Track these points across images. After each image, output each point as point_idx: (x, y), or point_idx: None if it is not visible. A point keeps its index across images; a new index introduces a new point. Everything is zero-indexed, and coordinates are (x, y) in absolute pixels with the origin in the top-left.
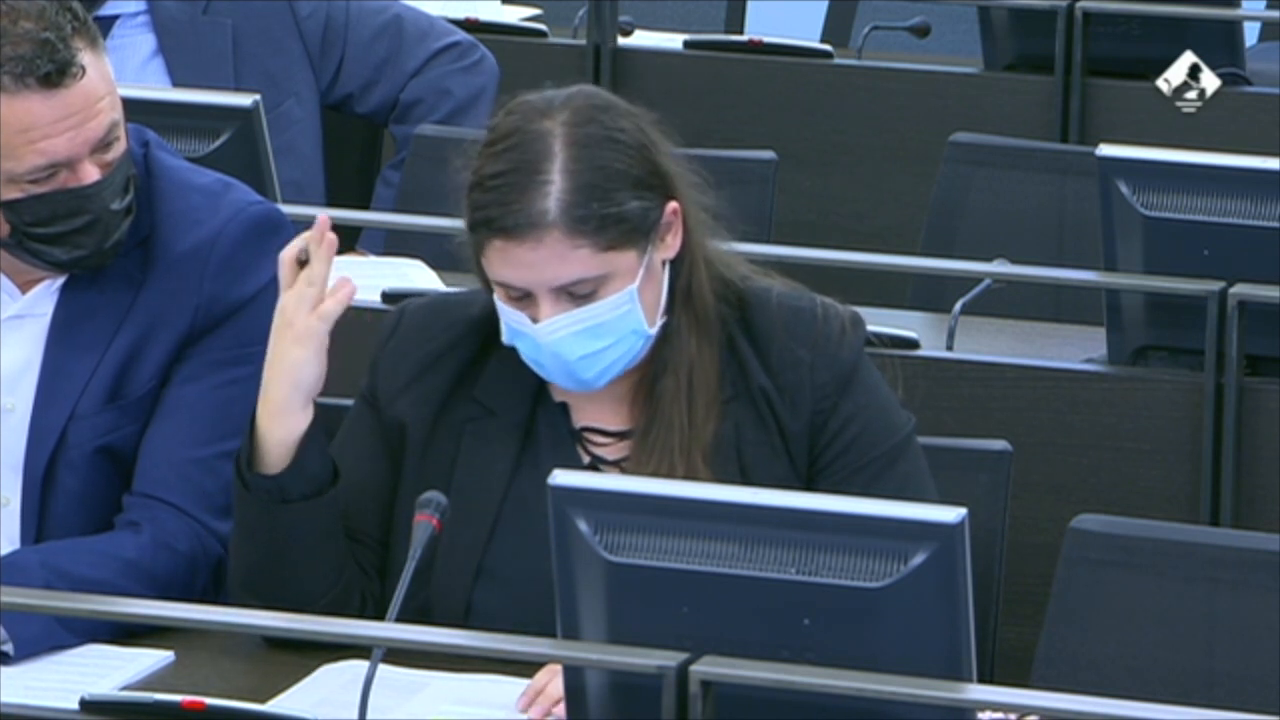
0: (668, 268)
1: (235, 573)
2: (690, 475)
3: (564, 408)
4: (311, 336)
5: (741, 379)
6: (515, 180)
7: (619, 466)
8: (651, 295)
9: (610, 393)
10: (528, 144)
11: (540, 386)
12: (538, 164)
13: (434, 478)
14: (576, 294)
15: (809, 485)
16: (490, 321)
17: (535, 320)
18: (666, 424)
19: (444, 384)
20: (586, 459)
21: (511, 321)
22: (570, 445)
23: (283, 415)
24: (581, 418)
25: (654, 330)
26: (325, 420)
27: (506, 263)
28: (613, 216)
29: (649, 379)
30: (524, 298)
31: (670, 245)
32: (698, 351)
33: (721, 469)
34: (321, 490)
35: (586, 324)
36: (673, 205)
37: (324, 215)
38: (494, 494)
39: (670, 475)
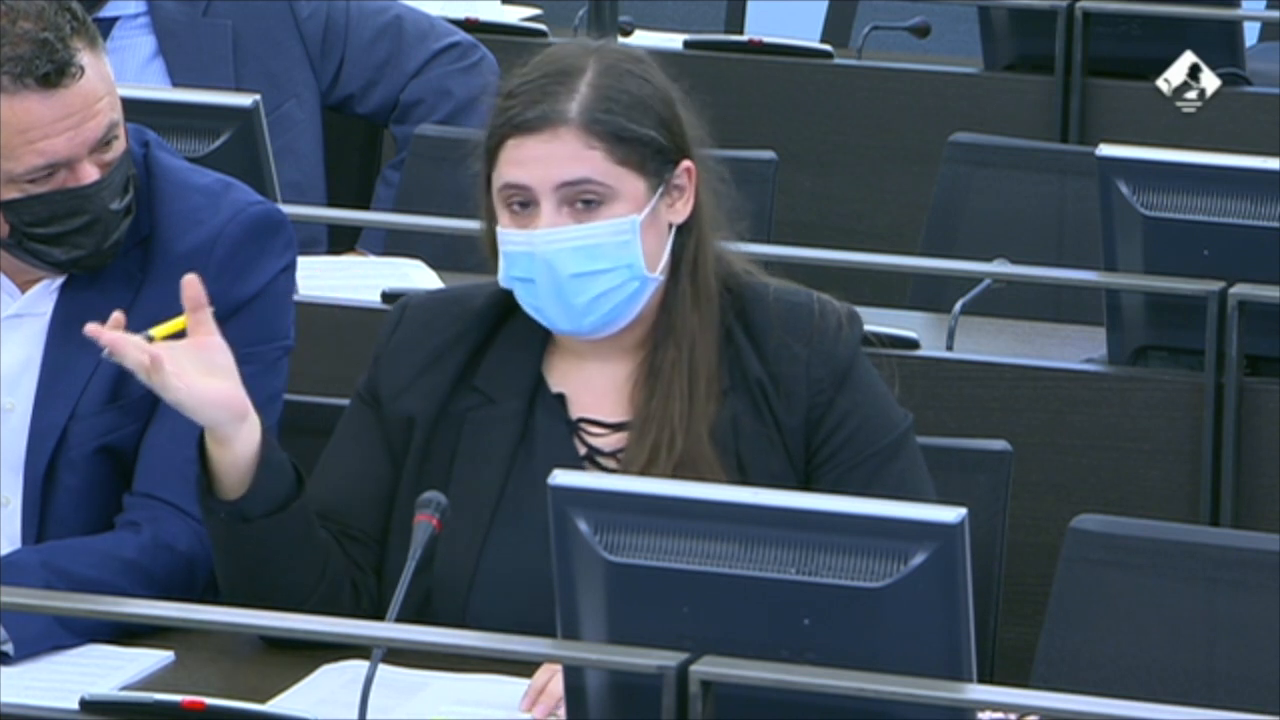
0: (673, 232)
1: (220, 583)
2: (692, 450)
3: (561, 399)
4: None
5: (739, 371)
6: (543, 85)
7: (616, 458)
8: (653, 242)
9: (608, 382)
10: (561, 60)
11: (539, 377)
12: (568, 76)
13: (436, 470)
14: (580, 201)
15: (806, 481)
16: (493, 312)
17: (533, 231)
18: (666, 395)
19: (448, 378)
20: (583, 450)
21: (508, 244)
22: (567, 436)
23: (222, 440)
24: (578, 409)
25: (653, 276)
26: (327, 420)
27: (516, 160)
28: (631, 132)
29: (649, 358)
30: (525, 209)
31: (679, 210)
32: (700, 327)
33: (720, 455)
34: (285, 505)
35: (584, 241)
36: (687, 164)
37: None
38: (492, 484)
39: (671, 447)
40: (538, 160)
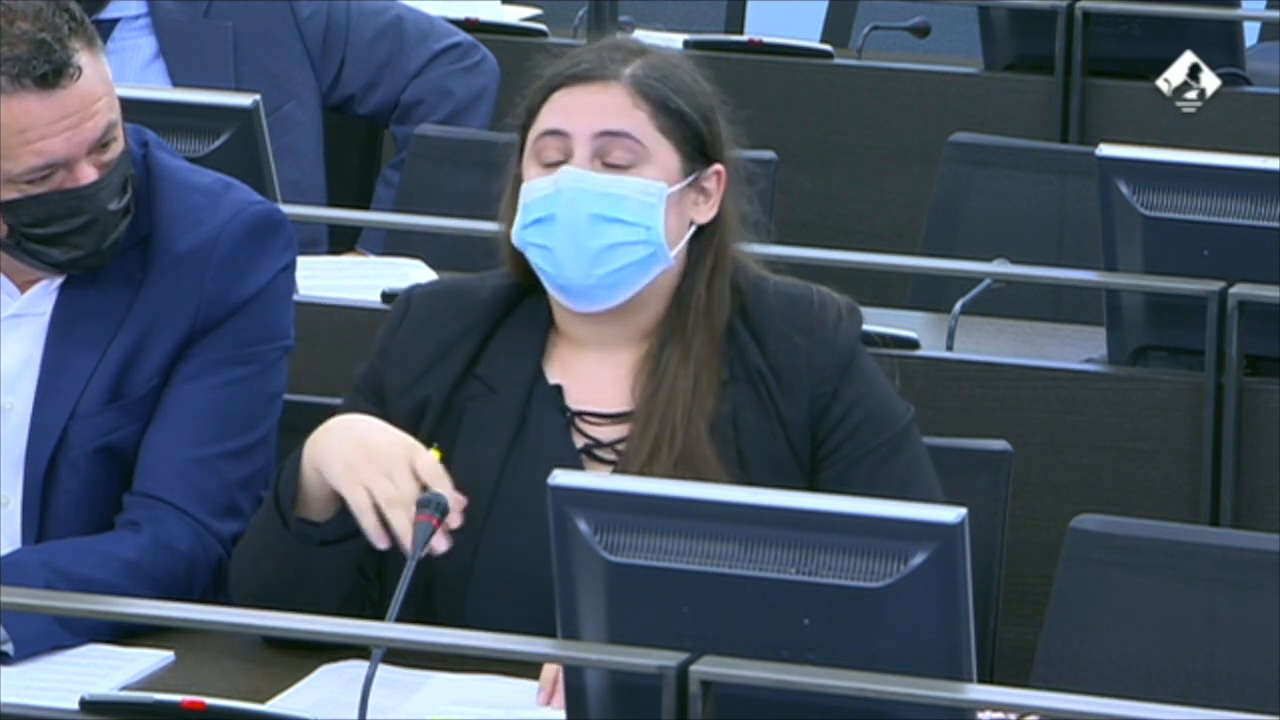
0: (693, 230)
1: (247, 587)
2: (691, 447)
3: (558, 390)
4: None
5: (740, 362)
6: (598, 50)
7: (615, 449)
8: (675, 224)
9: (607, 375)
10: (614, 41)
11: (538, 367)
12: (621, 50)
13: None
14: (612, 161)
15: (812, 474)
16: (499, 304)
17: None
18: (670, 393)
19: (454, 371)
20: (581, 442)
21: (533, 193)
22: (564, 428)
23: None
24: (576, 401)
25: (667, 252)
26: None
27: (560, 109)
28: (676, 104)
29: (652, 353)
30: (559, 163)
31: (704, 211)
32: (706, 329)
33: (721, 449)
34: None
35: (610, 190)
36: (718, 168)
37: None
38: (490, 474)
39: (671, 444)
40: (583, 109)
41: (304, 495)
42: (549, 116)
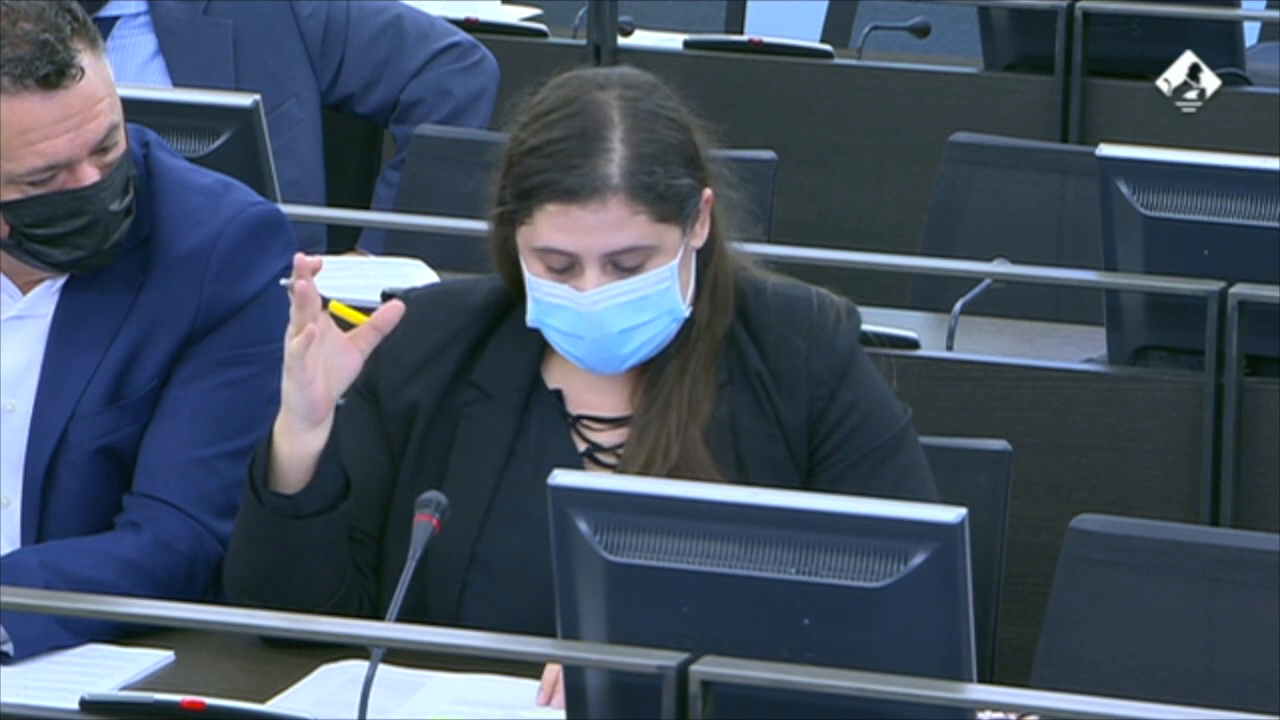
0: (694, 256)
1: (236, 577)
2: (687, 454)
3: (559, 394)
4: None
5: (739, 364)
6: (577, 145)
7: (616, 453)
8: (685, 278)
9: (606, 380)
10: (587, 112)
11: (536, 372)
12: (599, 130)
13: (432, 464)
14: (623, 265)
15: (810, 475)
16: (492, 308)
17: (579, 292)
18: (666, 403)
19: (447, 373)
20: (583, 446)
21: (547, 295)
22: (566, 432)
23: (297, 434)
24: (576, 405)
25: (686, 314)
26: None
27: (561, 227)
28: (670, 189)
29: (653, 364)
30: (567, 269)
31: (700, 235)
32: (709, 338)
33: (718, 452)
34: (335, 505)
35: (630, 296)
36: (707, 193)
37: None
38: (488, 478)
39: (667, 454)
40: (585, 230)
41: (276, 470)
42: (548, 234)
